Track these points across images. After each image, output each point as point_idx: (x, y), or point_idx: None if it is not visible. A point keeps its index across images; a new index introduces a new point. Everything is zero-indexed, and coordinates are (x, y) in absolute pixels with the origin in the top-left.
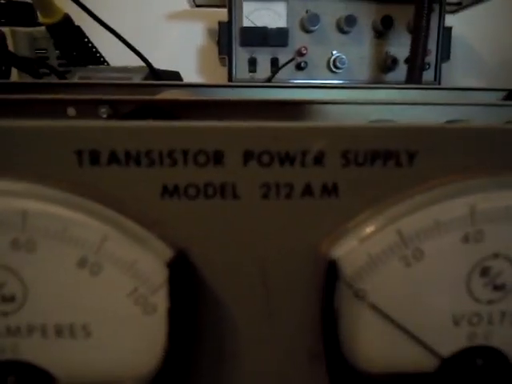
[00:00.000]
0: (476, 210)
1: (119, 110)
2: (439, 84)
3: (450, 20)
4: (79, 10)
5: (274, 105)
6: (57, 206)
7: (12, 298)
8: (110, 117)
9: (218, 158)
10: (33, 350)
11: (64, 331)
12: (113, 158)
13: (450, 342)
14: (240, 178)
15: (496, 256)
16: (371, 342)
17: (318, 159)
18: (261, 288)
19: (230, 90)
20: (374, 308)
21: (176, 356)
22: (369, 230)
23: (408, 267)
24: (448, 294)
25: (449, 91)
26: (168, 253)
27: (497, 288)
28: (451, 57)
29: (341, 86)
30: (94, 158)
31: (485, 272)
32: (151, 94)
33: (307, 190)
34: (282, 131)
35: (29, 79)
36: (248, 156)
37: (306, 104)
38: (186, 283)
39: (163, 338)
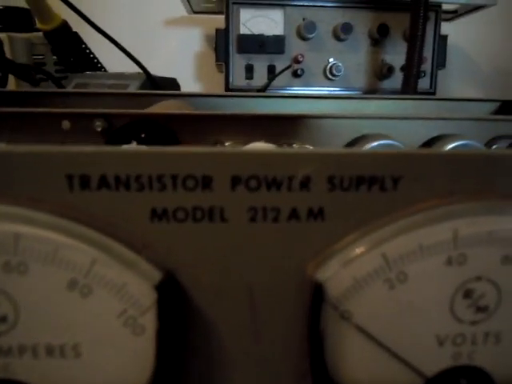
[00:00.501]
0: (459, 234)
1: (114, 123)
2: (435, 92)
3: (445, 28)
4: (77, 16)
5: (267, 119)
6: (48, 229)
7: (3, 319)
8: (104, 130)
9: (206, 182)
10: (24, 370)
11: (55, 351)
12: (103, 183)
13: (434, 362)
14: (228, 202)
15: (479, 279)
16: (357, 362)
17: (304, 184)
18: (248, 309)
19: (225, 99)
20: (359, 329)
21: (164, 376)
22: (354, 253)
23: (392, 289)
24: (432, 315)
25: (443, 101)
26: (157, 275)
27: (480, 309)
28: (447, 64)
29: (335, 96)
30: (84, 182)
31: (468, 294)
32: (148, 103)
33: (293, 214)
34: (269, 157)
35: (26, 85)
36: (236, 181)
37: (299, 118)
38: (174, 305)
39: (152, 358)
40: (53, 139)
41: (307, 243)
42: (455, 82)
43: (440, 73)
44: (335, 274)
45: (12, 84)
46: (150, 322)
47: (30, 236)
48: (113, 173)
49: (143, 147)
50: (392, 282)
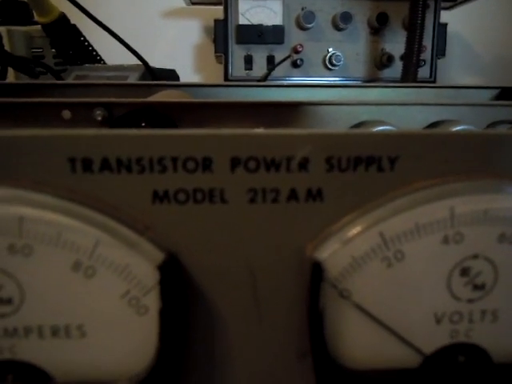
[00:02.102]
0: (455, 212)
1: (114, 113)
2: (434, 80)
3: (445, 16)
4: (75, 8)
5: (267, 106)
6: (51, 212)
7: (9, 301)
8: (104, 119)
9: (206, 164)
10: (30, 350)
11: (60, 332)
12: (105, 165)
13: (432, 340)
14: (228, 184)
15: (475, 257)
16: (356, 340)
17: (303, 165)
18: (249, 289)
19: (224, 89)
20: (358, 307)
21: (168, 355)
22: (352, 232)
23: (390, 268)
24: (429, 293)
25: (443, 89)
26: (159, 256)
27: (477, 287)
28: (447, 53)
29: (335, 85)
30: (87, 165)
31: (465, 272)
32: (147, 93)
33: (293, 195)
34: (268, 138)
35: (25, 78)
36: (235, 162)
37: (298, 105)
38: (176, 285)
39: (155, 338)
40: (54, 128)
41: (306, 224)
42: (455, 70)
43: (440, 61)
44: (334, 254)
45: (11, 77)
46: (153, 301)
47: (34, 219)
48: (114, 156)
49: (144, 130)
50: (390, 260)
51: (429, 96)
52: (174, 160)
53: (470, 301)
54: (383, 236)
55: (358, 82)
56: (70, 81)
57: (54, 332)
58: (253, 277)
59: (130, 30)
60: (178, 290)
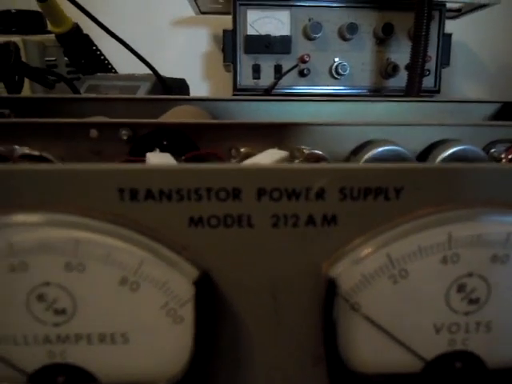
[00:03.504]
0: (452, 236)
1: (138, 132)
2: (439, 90)
3: (450, 26)
4: (86, 18)
5: (278, 127)
6: (102, 235)
7: (63, 311)
8: (130, 138)
9: (236, 194)
10: (79, 355)
11: (106, 339)
12: (148, 195)
13: (432, 347)
14: (254, 211)
15: (470, 275)
16: (365, 347)
17: (320, 194)
18: (271, 302)
19: (234, 103)
20: (367, 318)
21: (199, 359)
22: (362, 253)
23: (395, 284)
24: (430, 306)
25: (445, 104)
26: (194, 273)
27: (472, 302)
28: (452, 62)
29: (342, 99)
30: (133, 194)
31: (461, 288)
32: (160, 107)
33: (310, 220)
34: (289, 172)
35: (39, 87)
36: (261, 192)
37: (308, 125)
38: (208, 298)
39: (190, 344)
40: (81, 146)
41: (322, 245)
42: (461, 79)
43: (445, 70)
44: (346, 271)
45: (26, 86)
46: (188, 312)
47: (88, 241)
48: (157, 187)
49: (183, 164)
50: (395, 277)
51: (432, 109)
52: (209, 190)
53: (466, 313)
54: (390, 257)
55: (364, 91)
56: (85, 95)
57: (101, 339)
58: (274, 291)
59: (140, 38)
60: (210, 302)
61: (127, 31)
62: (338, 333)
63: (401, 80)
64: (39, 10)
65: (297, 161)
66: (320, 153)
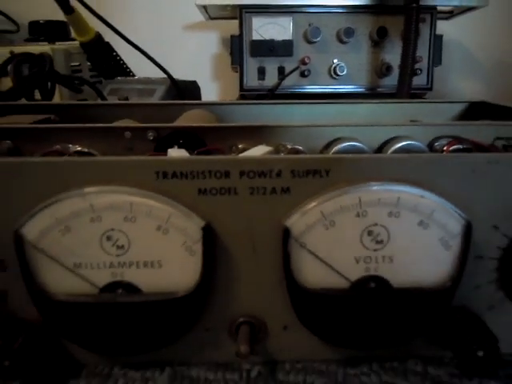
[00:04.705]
0: (362, 200)
1: (160, 133)
2: (431, 88)
3: (444, 25)
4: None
5: (268, 128)
6: (146, 199)
7: (122, 247)
8: (155, 138)
9: (226, 174)
10: (131, 275)
11: (148, 264)
12: (173, 175)
13: (354, 272)
14: (238, 184)
15: (376, 224)
16: (310, 271)
17: (278, 174)
18: (250, 243)
19: (240, 106)
20: (310, 252)
21: (205, 279)
22: (306, 209)
23: (327, 230)
24: (351, 245)
25: (421, 104)
26: (201, 223)
27: (378, 242)
28: (446, 59)
29: (331, 102)
30: (164, 175)
31: (370, 233)
32: (176, 110)
33: (273, 190)
34: (259, 160)
35: (65, 91)
36: (242, 173)
37: (292, 127)
38: (210, 239)
39: (199, 268)
40: (118, 144)
41: (281, 206)
42: (455, 76)
43: (440, 68)
44: (296, 222)
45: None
46: (198, 248)
47: (138, 203)
48: (179, 170)
49: (189, 156)
50: (327, 226)
51: (410, 109)
52: (210, 172)
53: (375, 250)
54: (323, 213)
55: (361, 90)
56: (116, 101)
57: (145, 264)
58: (252, 236)
59: (154, 42)
60: (211, 242)
61: (142, 36)
62: (291, 262)
63: (394, 79)
64: (63, 19)
65: (282, 154)
66: (300, 148)
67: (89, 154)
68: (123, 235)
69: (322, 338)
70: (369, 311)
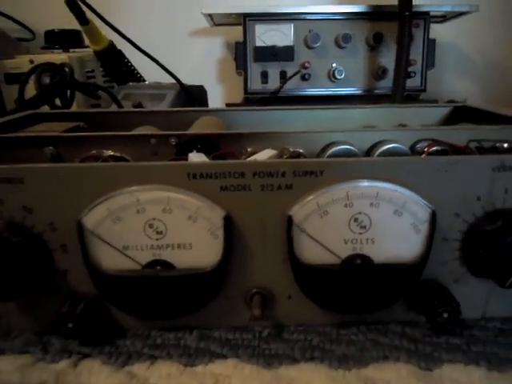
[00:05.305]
0: (349, 194)
1: (181, 139)
2: (425, 89)
3: (438, 28)
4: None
5: (273, 134)
6: (180, 194)
7: (161, 232)
8: (177, 144)
9: (242, 175)
10: (174, 256)
11: (180, 246)
12: (201, 176)
13: (344, 251)
14: (251, 182)
15: (360, 213)
16: (309, 251)
17: (283, 174)
18: (261, 229)
19: (245, 112)
20: (309, 236)
21: (225, 258)
22: (305, 201)
23: (322, 218)
24: (341, 229)
25: (409, 108)
26: (223, 213)
27: (362, 227)
28: (442, 62)
29: (328, 107)
30: (194, 175)
31: (356, 220)
32: (187, 117)
33: (279, 187)
34: (268, 163)
35: (81, 97)
36: (254, 174)
37: (293, 133)
38: (230, 226)
39: (221, 249)
40: (144, 149)
41: (285, 199)
42: (450, 78)
43: (435, 70)
44: (297, 212)
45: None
46: (221, 233)
47: (173, 197)
48: (204, 172)
49: (207, 161)
50: (321, 215)
51: (399, 113)
52: (229, 173)
53: (360, 233)
54: (318, 204)
55: (358, 92)
56: (136, 109)
57: (178, 246)
58: (263, 224)
59: (162, 47)
60: (230, 228)
61: (150, 43)
62: (294, 244)
63: (390, 81)
64: (76, 28)
65: (285, 156)
66: (301, 151)
67: (122, 158)
68: (162, 223)
69: (319, 305)
70: (356, 283)
